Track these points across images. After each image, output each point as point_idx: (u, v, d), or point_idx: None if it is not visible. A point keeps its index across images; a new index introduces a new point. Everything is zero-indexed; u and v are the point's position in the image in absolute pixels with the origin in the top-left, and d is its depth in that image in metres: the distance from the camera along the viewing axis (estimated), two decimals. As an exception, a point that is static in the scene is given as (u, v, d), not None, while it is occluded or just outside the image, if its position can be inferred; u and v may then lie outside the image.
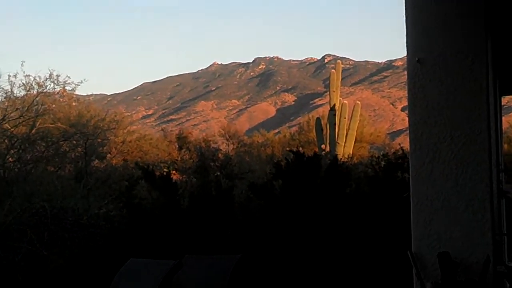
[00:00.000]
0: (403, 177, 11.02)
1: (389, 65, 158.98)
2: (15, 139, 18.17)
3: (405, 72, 5.56)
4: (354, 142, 35.66)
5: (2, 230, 11.80)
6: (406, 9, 5.52)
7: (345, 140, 34.72)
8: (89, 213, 13.39)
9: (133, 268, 7.38)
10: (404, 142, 25.44)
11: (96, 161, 23.53)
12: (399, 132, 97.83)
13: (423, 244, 5.30)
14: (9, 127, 18.53)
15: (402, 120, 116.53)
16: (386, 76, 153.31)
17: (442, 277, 5.04)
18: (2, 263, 11.45)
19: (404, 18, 5.53)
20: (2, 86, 23.65)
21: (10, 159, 17.73)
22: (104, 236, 12.13)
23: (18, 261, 11.45)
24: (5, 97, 21.90)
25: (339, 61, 44.60)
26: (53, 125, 23.28)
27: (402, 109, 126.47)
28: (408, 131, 5.51)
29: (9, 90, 21.64)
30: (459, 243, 5.17)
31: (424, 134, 5.34)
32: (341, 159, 15.88)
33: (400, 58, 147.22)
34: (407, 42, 5.51)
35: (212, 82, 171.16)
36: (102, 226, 12.83)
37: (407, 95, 5.53)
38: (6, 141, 18.02)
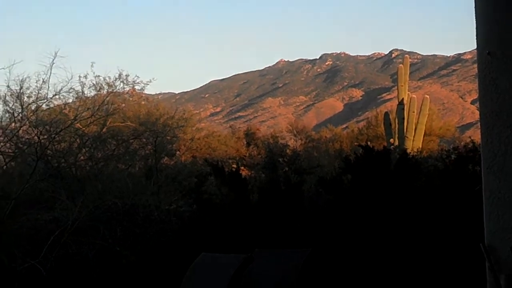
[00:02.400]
0: (474, 170, 10.88)
1: (457, 58, 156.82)
2: (87, 138, 18.51)
3: (474, 65, 5.49)
4: (423, 136, 35.30)
5: (76, 227, 12.02)
6: (475, 1, 5.46)
7: (414, 134, 34.41)
8: (160, 209, 13.56)
9: (204, 263, 7.46)
10: (474, 135, 25.11)
11: (166, 158, 23.81)
12: (468, 125, 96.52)
13: (496, 237, 5.23)
14: (81, 127, 18.87)
15: (472, 113, 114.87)
16: (454, 70, 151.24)
17: (516, 270, 4.98)
18: (76, 259, 11.67)
19: (474, 10, 5.46)
20: (73, 87, 24.13)
21: (82, 157, 18.05)
22: (175, 232, 12.26)
23: (92, 256, 11.66)
24: (76, 98, 22.33)
25: (406, 55, 44.21)
26: (123, 124, 23.65)
27: (472, 102, 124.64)
28: (478, 124, 5.44)
29: (80, 90, 22.06)
30: (533, 236, 5.10)
31: (496, 127, 5.27)
32: (410, 153, 15.73)
33: (469, 51, 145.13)
34: (476, 35, 5.44)
35: (279, 79, 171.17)
36: (172, 222, 12.98)
37: (477, 88, 5.46)
38: (77, 140, 18.37)
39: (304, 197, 11.90)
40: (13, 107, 17.65)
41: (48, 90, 17.04)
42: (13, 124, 17.30)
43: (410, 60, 45.25)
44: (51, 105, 19.88)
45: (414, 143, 33.52)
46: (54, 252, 11.43)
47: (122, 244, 11.96)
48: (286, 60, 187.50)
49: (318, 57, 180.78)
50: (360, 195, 10.79)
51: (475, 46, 5.48)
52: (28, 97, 17.71)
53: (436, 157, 16.87)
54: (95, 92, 24.49)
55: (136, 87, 25.87)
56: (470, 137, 18.05)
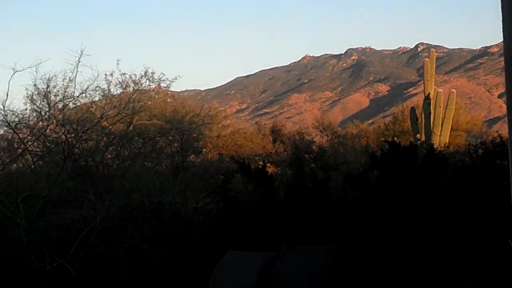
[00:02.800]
0: (502, 164, 10.79)
1: (484, 51, 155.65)
2: (113, 136, 18.56)
3: (501, 59, 5.45)
4: (450, 131, 35.02)
5: (104, 225, 12.09)
6: (501, -7, 5.40)
7: (441, 129, 34.16)
8: (187, 207, 13.58)
9: (232, 260, 7.48)
10: (501, 130, 24.90)
11: (192, 156, 23.83)
12: (496, 120, 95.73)
13: (525, 233, 5.19)
14: (107, 125, 18.94)
15: (500, 107, 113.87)
16: (481, 63, 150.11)
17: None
18: (104, 257, 11.74)
19: (500, 3, 5.41)
20: (100, 85, 24.22)
21: (108, 156, 18.12)
22: (202, 230, 12.28)
23: (120, 255, 11.72)
24: (102, 96, 22.43)
25: (432, 49, 43.86)
26: (149, 122, 23.70)
27: (499, 96, 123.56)
28: (506, 118, 5.40)
29: (106, 88, 22.15)
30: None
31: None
32: (437, 148, 15.63)
33: (496, 44, 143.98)
34: (503, 28, 5.39)
35: (304, 74, 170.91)
36: (199, 220, 13.00)
37: (504, 82, 5.41)
38: (104, 138, 18.43)
39: (331, 194, 11.88)
40: (40, 106, 17.74)
41: (74, 88, 17.12)
42: (40, 123, 17.39)
43: (436, 54, 44.93)
44: (78, 104, 19.99)
45: (441, 138, 33.28)
46: (82, 251, 11.51)
47: (150, 242, 12.01)
48: (311, 55, 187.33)
49: (343, 52, 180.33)
50: (387, 191, 10.75)
51: (501, 39, 5.43)
52: (55, 95, 17.80)
53: (463, 152, 16.75)
54: (121, 90, 24.59)
55: (162, 84, 25.96)
56: (497, 131, 17.88)
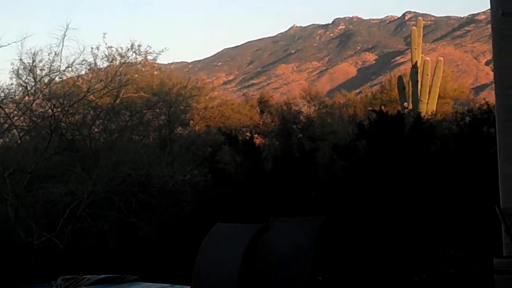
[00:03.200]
0: (489, 132, 10.80)
1: (471, 19, 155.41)
2: (100, 110, 18.50)
3: (489, 26, 5.45)
4: (438, 99, 35.06)
5: (91, 199, 12.07)
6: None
7: (428, 97, 34.19)
8: (175, 179, 13.57)
9: (220, 232, 7.46)
10: (489, 97, 24.91)
11: (180, 128, 23.77)
12: (483, 87, 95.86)
13: (511, 199, 5.20)
14: (94, 99, 18.87)
15: (487, 75, 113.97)
16: (468, 31, 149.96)
17: (532, 232, 4.95)
18: (92, 231, 11.73)
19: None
20: (86, 58, 24.07)
21: (95, 129, 18.07)
22: (190, 202, 12.28)
23: (108, 229, 11.71)
24: (89, 69, 22.30)
25: (420, 17, 43.89)
26: (136, 95, 23.59)
27: (486, 63, 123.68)
28: (493, 86, 5.39)
29: (93, 62, 22.01)
30: (549, 197, 5.06)
31: (511, 88, 5.22)
32: (424, 116, 15.64)
33: (483, 12, 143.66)
34: (490, -5, 5.38)
35: (291, 45, 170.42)
36: (187, 192, 13.00)
37: (491, 49, 5.41)
38: (91, 112, 18.37)
39: (318, 164, 11.88)
40: (26, 80, 17.66)
41: (60, 62, 17.06)
42: (26, 98, 17.34)
43: (424, 22, 44.89)
44: (64, 78, 19.87)
45: (429, 106, 33.31)
46: (70, 225, 11.50)
47: (138, 215, 12.02)
48: (298, 25, 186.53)
49: (330, 22, 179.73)
50: (375, 161, 10.75)
51: (489, 6, 5.43)
52: (41, 70, 17.70)
53: (450, 120, 16.78)
54: (108, 64, 24.38)
55: (149, 57, 25.73)
56: (484, 99, 17.90)
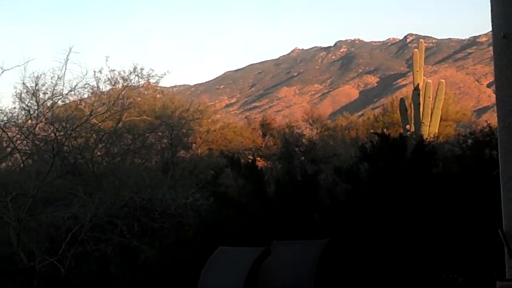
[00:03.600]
0: (491, 154, 10.79)
1: (473, 41, 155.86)
2: (103, 134, 18.56)
3: (490, 48, 5.47)
4: (440, 121, 35.10)
5: (93, 223, 12.06)
6: (490, -17, 5.40)
7: (430, 120, 34.21)
8: (177, 203, 13.58)
9: (222, 256, 7.45)
10: (491, 119, 24.92)
11: (182, 151, 23.81)
12: (485, 109, 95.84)
13: (515, 223, 5.19)
14: (97, 122, 18.91)
15: (488, 97, 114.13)
16: (470, 53, 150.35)
17: (535, 255, 4.93)
18: (94, 255, 11.70)
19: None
20: (89, 82, 24.13)
21: (98, 153, 18.13)
22: (192, 225, 12.27)
23: (110, 253, 11.68)
24: (91, 93, 22.36)
25: (421, 40, 44.02)
26: (138, 118, 23.65)
27: (488, 85, 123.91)
28: (495, 108, 5.40)
29: (95, 85, 22.08)
30: (551, 220, 5.05)
31: (513, 110, 5.22)
32: (426, 139, 15.64)
33: (485, 34, 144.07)
34: (492, 18, 5.39)
35: (293, 67, 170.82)
36: (190, 216, 12.99)
37: (493, 71, 5.42)
38: (94, 135, 18.42)
39: (321, 187, 11.85)
40: (29, 104, 17.74)
41: (63, 86, 17.16)
42: (29, 122, 17.40)
43: (425, 44, 45.07)
44: (67, 101, 19.95)
45: (431, 129, 33.33)
46: (73, 249, 11.48)
47: (140, 239, 12.00)
48: (300, 48, 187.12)
49: (332, 45, 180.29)
50: (377, 184, 10.73)
51: (490, 29, 5.44)
52: (44, 93, 17.79)
53: (452, 143, 16.81)
54: (110, 87, 24.44)
55: (151, 80, 25.80)
56: (486, 121, 17.92)
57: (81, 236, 11.86)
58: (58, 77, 16.87)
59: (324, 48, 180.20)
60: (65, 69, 16.51)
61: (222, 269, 7.24)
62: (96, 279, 11.08)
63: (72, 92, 17.92)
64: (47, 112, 17.49)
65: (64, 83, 17.14)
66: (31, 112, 17.20)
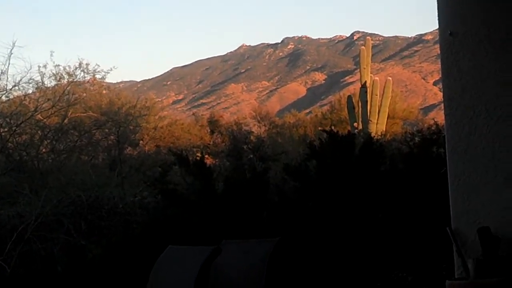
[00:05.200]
0: (439, 152, 10.90)
1: (419, 39, 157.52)
2: (48, 130, 18.33)
3: (436, 46, 5.51)
4: (387, 119, 35.40)
5: (39, 222, 11.88)
6: (436, -20, 5.44)
7: (378, 117, 34.47)
8: (125, 201, 13.46)
9: (172, 255, 7.39)
10: (437, 117, 25.20)
11: (129, 148, 23.68)
12: (431, 107, 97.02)
13: (462, 220, 5.23)
14: (42, 118, 18.68)
15: (435, 95, 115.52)
16: (416, 51, 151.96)
17: (483, 253, 4.97)
18: (41, 254, 11.54)
19: (435, -9, 5.44)
20: (33, 77, 23.84)
21: (43, 150, 17.90)
22: (141, 224, 12.18)
23: (57, 252, 11.53)
24: (36, 88, 22.12)
25: (368, 37, 44.29)
26: (84, 114, 23.45)
27: (434, 83, 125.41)
28: (441, 106, 5.44)
29: (40, 81, 21.83)
30: (499, 218, 5.09)
31: (459, 108, 5.26)
32: (374, 136, 15.75)
33: (430, 32, 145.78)
34: (438, 15, 5.43)
35: (241, 64, 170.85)
36: (138, 214, 12.89)
37: (439, 69, 5.46)
38: (39, 132, 18.19)
39: (270, 185, 11.86)
40: (-29, 99, 17.44)
41: (7, 81, 16.94)
42: (-29, 117, 17.10)
43: (372, 41, 45.36)
44: (11, 97, 19.68)
45: (378, 127, 33.59)
46: (18, 248, 11.29)
47: (87, 238, 11.86)
48: (248, 44, 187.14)
49: (280, 41, 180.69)
50: (326, 181, 10.77)
51: (436, 27, 5.47)
52: (-14, 88, 17.49)
53: (400, 140, 16.94)
54: (55, 82, 24.23)
55: (97, 76, 25.64)
56: (433, 119, 18.13)
57: (27, 235, 11.67)
58: (1, 72, 16.63)
59: (271, 44, 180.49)
60: (9, 63, 16.29)
61: (171, 268, 7.19)
62: (43, 278, 10.92)
63: (16, 87, 17.71)
64: (-10, 108, 17.23)
65: (7, 78, 16.99)
66: (-26, 107, 16.93)
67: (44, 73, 23.54)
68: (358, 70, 39.17)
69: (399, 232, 9.69)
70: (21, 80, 17.30)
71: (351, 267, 9.59)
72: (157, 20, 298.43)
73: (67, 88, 22.25)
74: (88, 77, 25.62)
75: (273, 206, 11.02)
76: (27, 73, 18.74)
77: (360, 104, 35.55)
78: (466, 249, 5.15)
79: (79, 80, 24.70)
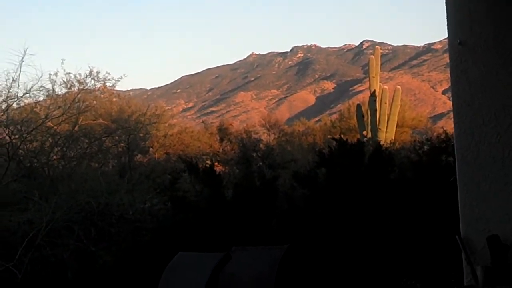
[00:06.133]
0: (447, 161, 10.92)
1: (428, 48, 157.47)
2: (58, 137, 18.36)
3: (445, 55, 5.54)
4: (396, 128, 35.39)
5: (50, 228, 11.92)
6: (446, -9, 5.46)
7: (387, 126, 34.48)
8: (134, 207, 13.48)
9: (182, 262, 7.41)
10: (446, 125, 25.20)
11: (139, 155, 23.70)
12: (440, 116, 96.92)
13: (472, 228, 5.23)
14: (52, 125, 18.73)
15: (444, 103, 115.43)
16: (425, 60, 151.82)
17: (492, 261, 4.98)
18: (51, 261, 11.57)
19: (444, 0, 5.47)
20: (44, 84, 23.90)
21: (54, 157, 17.92)
22: (150, 230, 12.20)
23: (67, 258, 11.56)
24: (47, 96, 22.16)
25: (377, 46, 44.30)
26: (95, 122, 23.46)
27: (443, 92, 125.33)
28: (450, 114, 5.46)
29: (51, 88, 21.89)
30: (509, 226, 5.10)
31: (468, 116, 5.27)
32: (383, 145, 15.76)
33: (439, 41, 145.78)
34: (448, 25, 5.45)
35: (250, 72, 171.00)
36: (147, 221, 12.91)
37: (449, 78, 5.48)
38: (49, 139, 18.22)
39: (279, 192, 11.88)
40: (-17, 107, 17.49)
41: (18, 88, 16.97)
42: (-17, 125, 17.15)
43: (381, 50, 45.37)
44: (22, 104, 19.72)
45: (387, 135, 33.60)
46: (29, 254, 11.32)
47: (97, 244, 11.88)
48: (257, 53, 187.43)
49: (289, 50, 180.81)
50: (335, 188, 10.80)
51: (445, 36, 5.49)
52: (-2, 96, 17.54)
53: (409, 149, 16.94)
54: (66, 90, 24.27)
55: (107, 83, 25.67)
56: (442, 127, 18.15)
57: (37, 241, 11.71)
58: (12, 80, 16.65)
59: (280, 53, 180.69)
60: (20, 71, 16.31)
61: (182, 275, 7.20)
62: (53, 284, 10.97)
63: (27, 95, 17.72)
64: (2, 115, 17.27)
65: (19, 86, 17.02)
66: (-15, 115, 16.98)
67: (55, 81, 23.59)
68: (367, 78, 39.23)
69: (408, 239, 9.69)
70: (32, 87, 17.35)
71: (360, 274, 9.59)
72: (167, 29, 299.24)
73: (78, 96, 22.29)
74: (98, 85, 25.69)
75: (282, 214, 11.05)
76: (38, 81, 18.73)
77: (369, 112, 35.56)
78: (475, 257, 5.16)
79: (89, 88, 24.75)
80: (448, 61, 5.46)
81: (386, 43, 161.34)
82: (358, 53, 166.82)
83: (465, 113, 5.29)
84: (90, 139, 20.00)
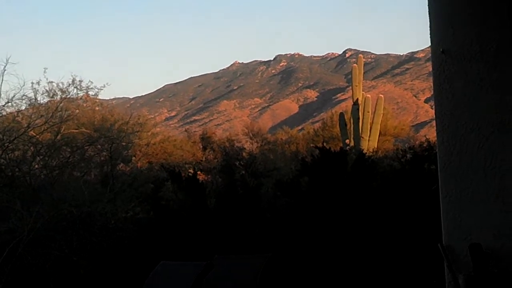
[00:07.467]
0: (430, 169, 10.94)
1: (410, 57, 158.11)
2: (40, 146, 18.26)
3: (428, 64, 5.54)
4: (379, 136, 35.51)
5: (31, 237, 11.85)
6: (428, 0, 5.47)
7: (369, 134, 34.59)
8: (117, 217, 13.42)
9: (164, 271, 7.40)
10: (428, 134, 25.30)
11: (122, 164, 23.60)
12: (423, 124, 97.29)
13: (454, 237, 5.24)
14: (34, 134, 18.63)
15: (426, 112, 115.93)
16: (408, 68, 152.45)
17: (475, 269, 4.99)
18: (33, 270, 11.50)
19: (427, 8, 5.48)
20: (26, 93, 23.78)
21: (36, 166, 17.82)
22: (133, 239, 12.15)
23: (48, 267, 11.49)
24: (29, 105, 22.04)
25: (360, 55, 44.43)
26: (77, 131, 23.37)
27: (426, 101, 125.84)
28: (433, 123, 5.46)
29: (33, 97, 21.77)
30: (490, 234, 5.11)
31: (451, 125, 5.28)
32: (366, 153, 15.79)
33: (422, 50, 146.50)
34: (430, 33, 5.46)
35: (233, 81, 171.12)
36: (130, 230, 12.85)
37: (431, 86, 5.48)
38: (31, 148, 18.12)
39: (262, 201, 11.88)
40: (-35, 115, 17.40)
41: (0, 97, 16.86)
42: (-35, 134, 17.04)
43: (364, 59, 45.51)
44: (4, 113, 19.62)
45: (370, 143, 33.69)
46: (10, 264, 11.25)
47: (79, 253, 11.81)
48: (240, 62, 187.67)
49: (272, 58, 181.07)
50: (318, 197, 10.80)
51: (428, 45, 5.50)
52: (-20, 105, 17.45)
53: (392, 157, 16.98)
54: (48, 99, 24.18)
55: (90, 92, 25.54)
56: (425, 136, 18.21)
57: (18, 250, 11.63)
58: (-6, 88, 16.58)
59: (264, 62, 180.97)
60: (2, 80, 16.24)
61: (164, 284, 7.19)
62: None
63: (9, 104, 17.65)
64: (-17, 124, 17.20)
65: (0, 95, 16.89)
66: (-33, 123, 16.89)
67: (37, 90, 23.48)
68: (350, 87, 39.32)
69: (390, 247, 9.70)
70: (14, 96, 17.29)
71: (342, 283, 9.59)
72: (150, 38, 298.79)
73: (60, 105, 22.20)
74: (81, 94, 25.56)
75: (265, 222, 11.04)
76: (21, 90, 18.66)
77: (352, 121, 35.66)
78: (457, 265, 5.16)
79: (72, 96, 24.63)
80: (430, 69, 5.47)
81: (369, 52, 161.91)
82: (341, 62, 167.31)
83: (448, 121, 5.30)
84: (72, 148, 19.89)
